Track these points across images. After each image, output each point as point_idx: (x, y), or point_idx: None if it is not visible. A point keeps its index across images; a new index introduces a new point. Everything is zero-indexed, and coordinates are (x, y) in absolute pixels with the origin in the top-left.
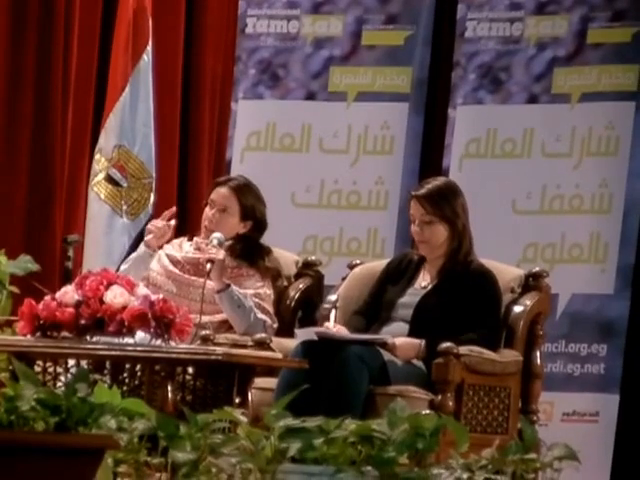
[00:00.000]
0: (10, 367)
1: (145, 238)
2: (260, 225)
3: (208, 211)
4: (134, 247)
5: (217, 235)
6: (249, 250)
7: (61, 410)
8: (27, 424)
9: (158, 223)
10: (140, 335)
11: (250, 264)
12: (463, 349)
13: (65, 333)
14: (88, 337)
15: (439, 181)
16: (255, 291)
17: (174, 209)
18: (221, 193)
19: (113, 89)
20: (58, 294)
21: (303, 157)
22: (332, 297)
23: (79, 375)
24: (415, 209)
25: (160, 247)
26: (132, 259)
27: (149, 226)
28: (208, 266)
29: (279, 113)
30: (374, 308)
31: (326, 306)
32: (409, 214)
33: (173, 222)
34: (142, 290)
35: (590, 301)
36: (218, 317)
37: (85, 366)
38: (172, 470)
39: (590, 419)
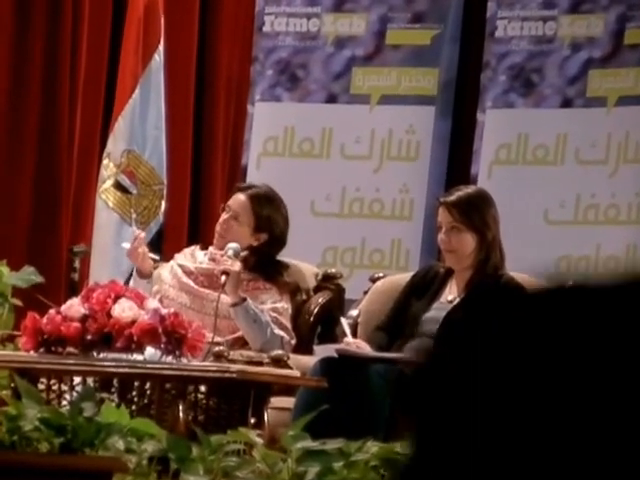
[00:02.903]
0: (12, 384)
1: (135, 268)
2: (276, 241)
3: (222, 216)
4: None
5: (233, 245)
6: (264, 266)
7: (66, 430)
8: (30, 445)
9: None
10: (150, 351)
11: (267, 278)
12: None
13: (70, 349)
14: (95, 353)
15: (470, 189)
16: (272, 305)
17: (142, 235)
18: (237, 200)
19: (122, 90)
20: (63, 307)
21: (323, 163)
22: (353, 312)
23: (85, 393)
24: (443, 216)
25: (150, 274)
26: None
27: (128, 254)
28: (223, 278)
29: (298, 116)
30: (398, 323)
31: (346, 321)
32: (436, 222)
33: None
34: (152, 304)
35: None
36: (233, 336)
37: (91, 384)
38: None
39: None
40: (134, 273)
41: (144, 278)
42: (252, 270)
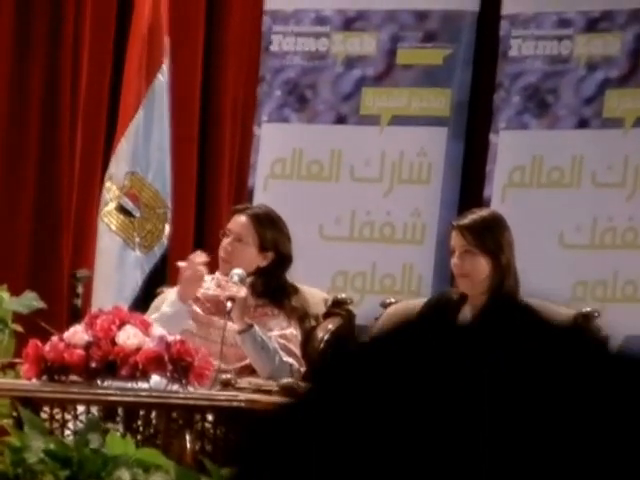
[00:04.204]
0: (14, 413)
1: (179, 286)
2: (283, 259)
3: (224, 241)
4: (147, 283)
5: (238, 271)
6: (273, 289)
7: (72, 463)
8: (35, 477)
9: (196, 258)
10: (155, 379)
11: (274, 303)
12: None
13: (74, 377)
14: (99, 381)
15: (484, 212)
16: (280, 332)
17: (204, 257)
18: (238, 221)
19: (125, 111)
20: (66, 334)
21: (332, 186)
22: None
23: (90, 424)
24: (456, 240)
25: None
26: (164, 316)
27: (186, 263)
28: (229, 305)
29: (306, 138)
30: None
31: None
32: (449, 246)
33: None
34: (158, 330)
35: None
36: (240, 364)
37: (96, 413)
38: None
39: None
40: (166, 297)
41: (186, 304)
42: (260, 295)
